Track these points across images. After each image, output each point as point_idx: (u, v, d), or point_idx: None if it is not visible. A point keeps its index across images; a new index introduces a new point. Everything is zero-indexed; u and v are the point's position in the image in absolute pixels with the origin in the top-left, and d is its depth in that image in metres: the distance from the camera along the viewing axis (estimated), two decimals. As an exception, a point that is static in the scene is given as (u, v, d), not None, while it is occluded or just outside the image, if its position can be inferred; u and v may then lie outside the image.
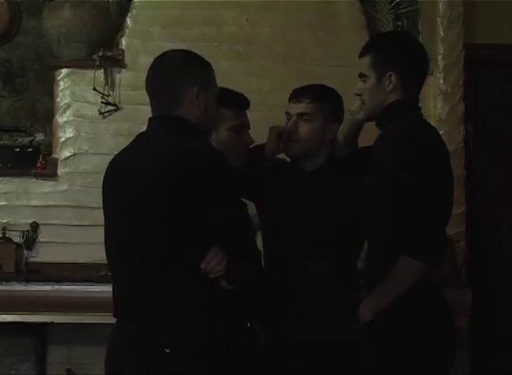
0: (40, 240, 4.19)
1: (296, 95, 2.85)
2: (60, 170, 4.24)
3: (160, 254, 2.19)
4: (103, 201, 2.38)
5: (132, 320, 2.24)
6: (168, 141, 2.25)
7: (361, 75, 2.68)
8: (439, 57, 4.31)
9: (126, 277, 2.27)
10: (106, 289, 3.81)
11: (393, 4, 4.44)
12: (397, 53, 2.65)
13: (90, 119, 4.25)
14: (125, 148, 2.40)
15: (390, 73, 2.61)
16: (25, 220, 4.19)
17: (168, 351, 2.15)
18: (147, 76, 2.38)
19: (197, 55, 2.40)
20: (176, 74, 2.32)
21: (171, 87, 2.31)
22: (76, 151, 4.25)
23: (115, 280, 2.34)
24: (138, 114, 4.15)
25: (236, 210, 2.28)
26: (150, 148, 2.26)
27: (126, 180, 2.28)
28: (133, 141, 2.39)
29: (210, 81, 2.38)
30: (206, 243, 2.20)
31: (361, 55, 2.69)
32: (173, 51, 2.42)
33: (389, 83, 2.62)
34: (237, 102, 2.80)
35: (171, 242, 2.18)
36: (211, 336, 2.21)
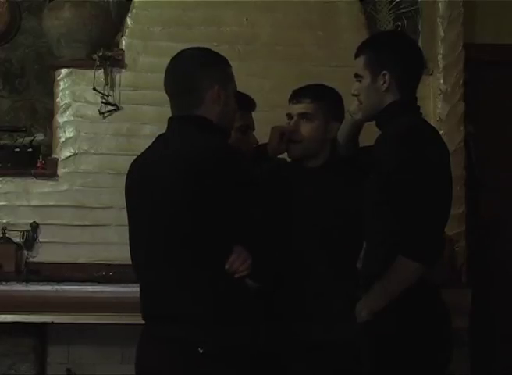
0: (40, 240, 4.19)
1: (296, 96, 2.85)
2: (60, 170, 4.23)
3: (187, 255, 2.20)
4: (126, 202, 2.39)
5: (163, 321, 2.24)
6: (188, 141, 2.26)
7: (356, 75, 2.69)
8: (439, 57, 4.31)
9: (154, 279, 2.28)
10: (106, 289, 3.87)
11: (393, 4, 4.45)
12: (390, 52, 2.66)
13: (90, 119, 4.25)
14: (146, 150, 2.41)
15: (384, 72, 2.62)
16: (25, 220, 4.19)
17: (201, 351, 2.16)
18: (166, 77, 2.39)
19: (213, 52, 2.42)
20: (195, 74, 2.34)
21: (191, 87, 2.33)
22: (76, 151, 4.24)
23: (143, 282, 2.34)
24: (138, 114, 4.16)
25: (259, 208, 2.27)
26: (170, 150, 2.28)
27: (148, 183, 2.29)
28: (154, 142, 2.40)
29: (228, 78, 2.40)
30: (231, 242, 2.21)
31: (356, 55, 2.71)
32: (189, 49, 2.43)
33: (384, 82, 2.63)
34: (244, 103, 2.80)
35: (197, 242, 2.19)
36: (241, 335, 2.22)
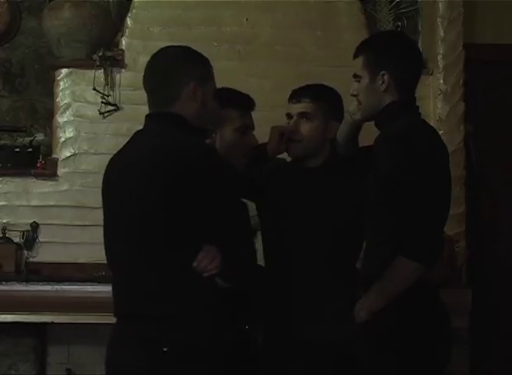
0: (40, 240, 4.20)
1: (296, 95, 2.85)
2: (60, 170, 4.24)
3: (159, 253, 2.19)
4: (102, 201, 2.38)
5: (132, 320, 2.23)
6: (164, 139, 2.25)
7: (355, 76, 2.69)
8: (439, 57, 4.32)
9: (126, 277, 2.27)
10: (106, 289, 3.82)
11: (393, 4, 4.45)
12: (389, 52, 2.65)
13: (90, 119, 4.25)
14: (123, 147, 2.39)
15: (383, 72, 2.62)
16: (25, 220, 4.19)
17: (166, 349, 2.14)
18: (145, 72, 2.38)
19: (193, 50, 2.40)
20: (173, 69, 2.32)
21: (167, 83, 2.31)
22: (76, 151, 4.25)
23: (115, 279, 2.34)
24: (138, 114, 4.09)
25: (233, 207, 2.26)
26: (146, 147, 2.26)
27: (123, 180, 2.28)
28: (130, 139, 2.40)
29: (207, 76, 2.37)
30: (204, 241, 2.19)
31: (355, 55, 2.70)
32: (170, 47, 2.43)
33: (382, 82, 2.62)
34: (243, 103, 2.80)
35: (170, 241, 2.18)
36: (211, 336, 2.20)
